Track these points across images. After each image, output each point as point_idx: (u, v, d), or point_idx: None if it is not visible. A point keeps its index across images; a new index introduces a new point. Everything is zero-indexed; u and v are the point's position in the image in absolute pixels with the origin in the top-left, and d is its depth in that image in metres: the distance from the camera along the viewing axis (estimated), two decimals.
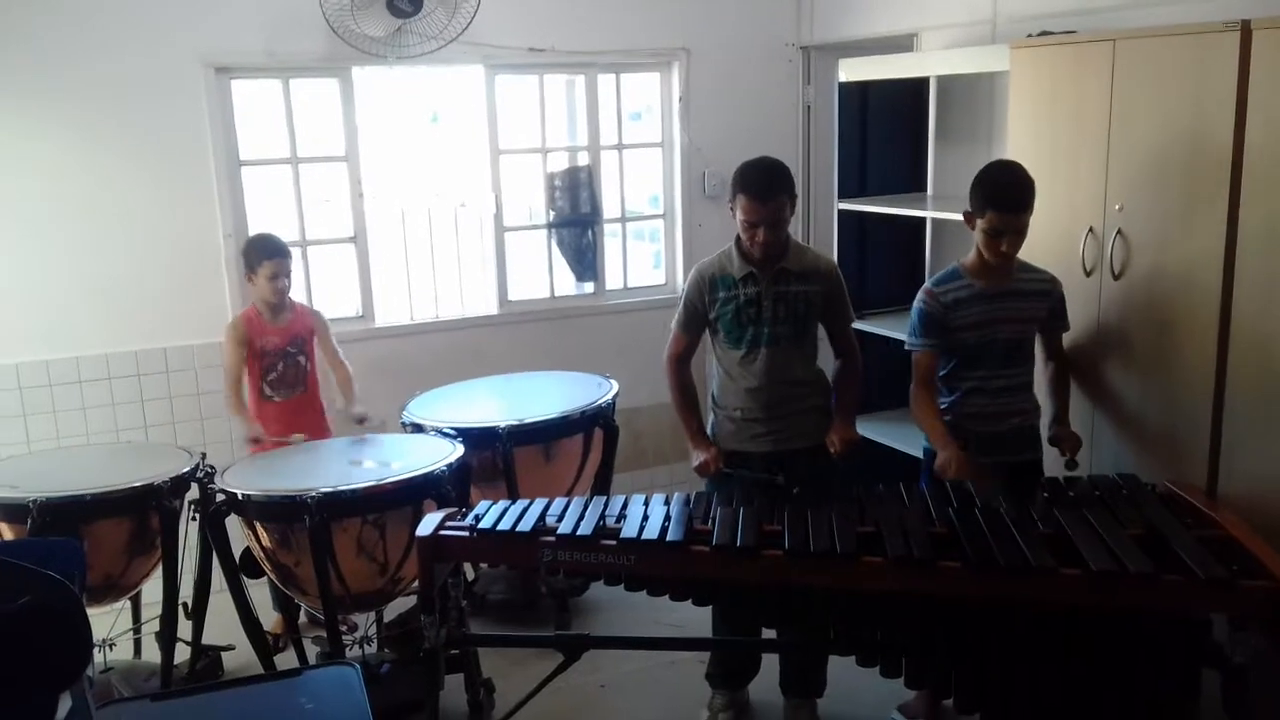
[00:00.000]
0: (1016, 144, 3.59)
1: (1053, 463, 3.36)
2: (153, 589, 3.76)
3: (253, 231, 4.58)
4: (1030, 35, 3.74)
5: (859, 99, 4.72)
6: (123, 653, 4.01)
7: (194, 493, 3.67)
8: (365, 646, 3.78)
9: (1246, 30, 2.85)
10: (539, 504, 3.00)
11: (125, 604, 3.93)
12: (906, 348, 3.36)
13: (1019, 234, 3.15)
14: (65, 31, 4.26)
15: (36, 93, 4.27)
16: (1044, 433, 3.38)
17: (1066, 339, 3.41)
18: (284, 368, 4.19)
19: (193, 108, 4.51)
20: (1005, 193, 3.13)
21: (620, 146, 5.44)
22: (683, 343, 3.52)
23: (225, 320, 4.35)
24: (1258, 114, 2.85)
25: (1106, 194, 3.29)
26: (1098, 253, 3.34)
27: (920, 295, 3.31)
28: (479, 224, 5.28)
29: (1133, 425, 3.31)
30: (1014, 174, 3.18)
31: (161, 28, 4.40)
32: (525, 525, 2.88)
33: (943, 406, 3.33)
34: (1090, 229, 3.35)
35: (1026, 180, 3.15)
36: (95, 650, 3.45)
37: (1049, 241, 3.43)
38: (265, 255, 4.14)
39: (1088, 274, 3.38)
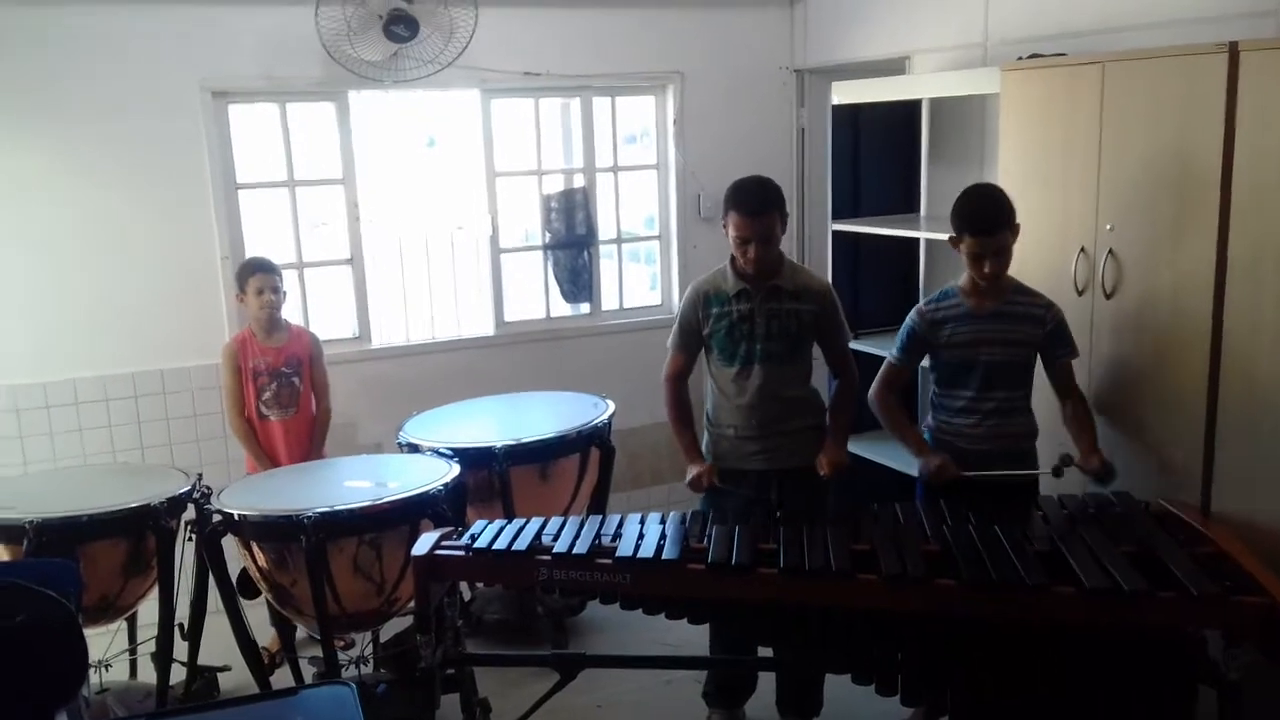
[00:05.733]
0: (1007, 165, 3.63)
1: (1050, 484, 3.38)
2: (149, 610, 3.76)
3: (249, 254, 4.60)
4: (1021, 58, 3.77)
5: (852, 121, 4.76)
6: (118, 673, 3.99)
7: (190, 513, 3.67)
8: (361, 666, 3.77)
9: (1234, 52, 2.89)
10: (535, 523, 3.00)
11: (121, 625, 3.92)
12: (888, 356, 3.43)
13: (1000, 254, 3.17)
14: (65, 55, 4.29)
15: (36, 116, 4.30)
16: (1042, 456, 3.39)
17: None
18: (278, 388, 4.20)
19: (191, 131, 4.53)
20: (978, 216, 3.17)
21: (616, 169, 5.47)
22: (679, 361, 3.54)
23: (223, 342, 4.36)
24: (1246, 135, 2.88)
25: (1097, 214, 3.32)
26: (1089, 273, 3.37)
27: (912, 312, 3.37)
28: (475, 246, 5.31)
29: (1126, 443, 3.32)
30: (987, 197, 3.22)
31: (160, 52, 4.43)
32: (521, 544, 2.89)
33: (934, 424, 3.38)
34: (1082, 249, 3.38)
35: (1000, 201, 3.18)
36: (91, 671, 3.44)
37: (1041, 261, 3.46)
38: (251, 271, 4.19)
39: (1080, 294, 3.40)
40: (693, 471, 3.45)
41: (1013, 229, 3.18)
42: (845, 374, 3.56)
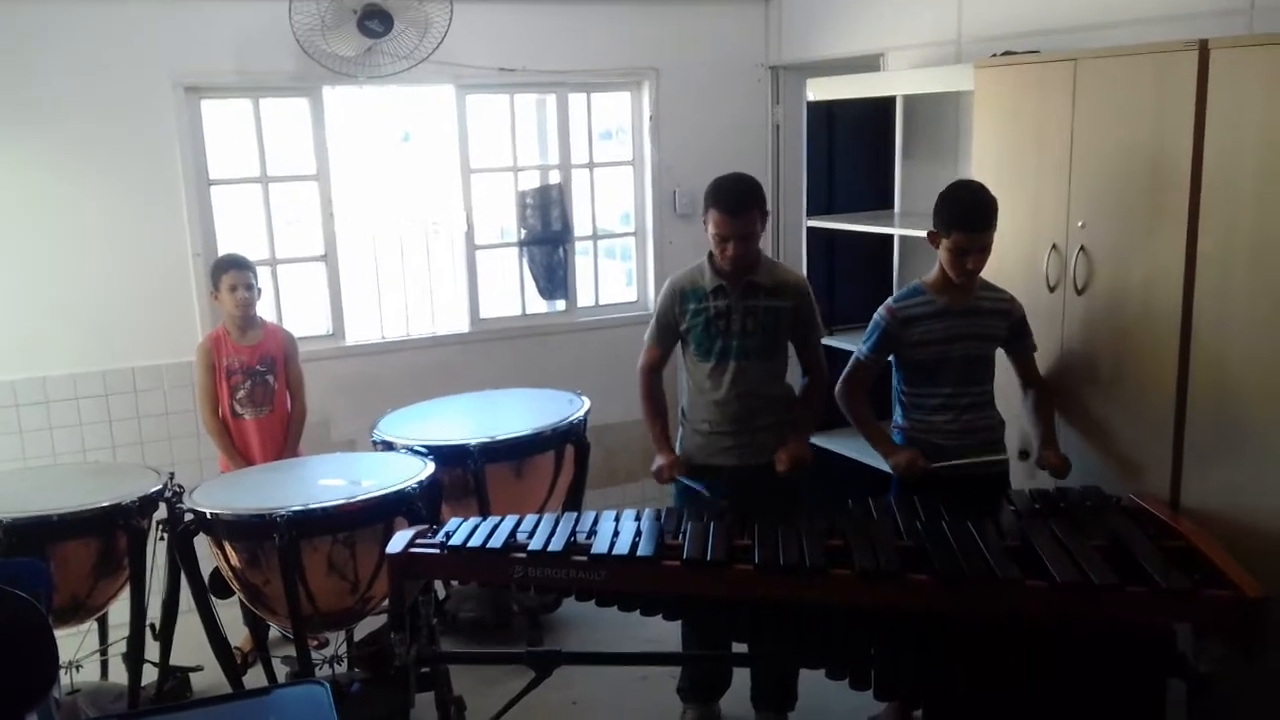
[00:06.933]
0: (981, 161, 3.64)
1: (1022, 477, 3.40)
2: (120, 610, 3.73)
3: (222, 250, 4.57)
4: (994, 55, 3.79)
5: (827, 118, 4.76)
6: (89, 674, 3.96)
7: (162, 512, 3.65)
8: (335, 665, 3.76)
9: (1204, 50, 2.91)
10: (510, 521, 3.00)
11: (92, 625, 3.89)
12: (855, 353, 3.42)
13: (983, 252, 3.20)
14: (35, 50, 4.24)
15: (3, 111, 4.24)
16: (1011, 447, 3.42)
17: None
18: (251, 386, 4.17)
19: (163, 127, 4.49)
20: (969, 213, 3.19)
21: (591, 165, 5.46)
22: (655, 354, 3.55)
23: (194, 340, 4.34)
24: (1215, 132, 2.90)
25: (1069, 210, 3.34)
26: (1061, 269, 3.39)
27: (881, 310, 3.36)
28: (450, 242, 5.29)
29: (1097, 438, 3.35)
30: (976, 194, 3.23)
31: (132, 47, 4.39)
32: (496, 542, 2.88)
33: (907, 423, 3.37)
34: (1054, 245, 3.40)
35: (989, 199, 3.20)
36: (62, 672, 3.41)
37: (1013, 257, 3.47)
38: (224, 268, 4.17)
39: (1051, 290, 3.42)
40: (659, 461, 3.46)
41: (995, 226, 3.20)
42: (816, 370, 3.57)
